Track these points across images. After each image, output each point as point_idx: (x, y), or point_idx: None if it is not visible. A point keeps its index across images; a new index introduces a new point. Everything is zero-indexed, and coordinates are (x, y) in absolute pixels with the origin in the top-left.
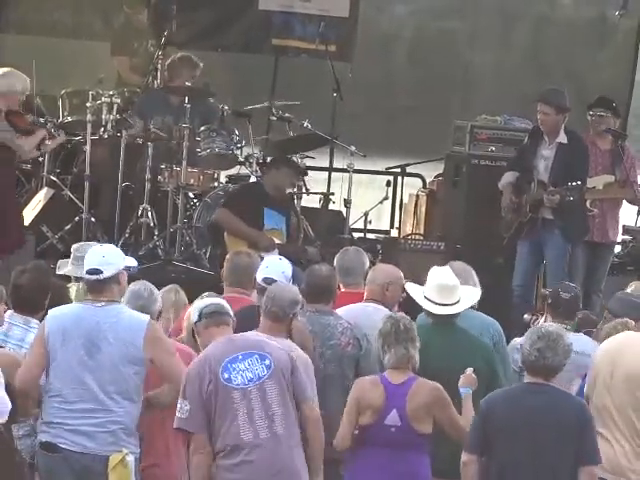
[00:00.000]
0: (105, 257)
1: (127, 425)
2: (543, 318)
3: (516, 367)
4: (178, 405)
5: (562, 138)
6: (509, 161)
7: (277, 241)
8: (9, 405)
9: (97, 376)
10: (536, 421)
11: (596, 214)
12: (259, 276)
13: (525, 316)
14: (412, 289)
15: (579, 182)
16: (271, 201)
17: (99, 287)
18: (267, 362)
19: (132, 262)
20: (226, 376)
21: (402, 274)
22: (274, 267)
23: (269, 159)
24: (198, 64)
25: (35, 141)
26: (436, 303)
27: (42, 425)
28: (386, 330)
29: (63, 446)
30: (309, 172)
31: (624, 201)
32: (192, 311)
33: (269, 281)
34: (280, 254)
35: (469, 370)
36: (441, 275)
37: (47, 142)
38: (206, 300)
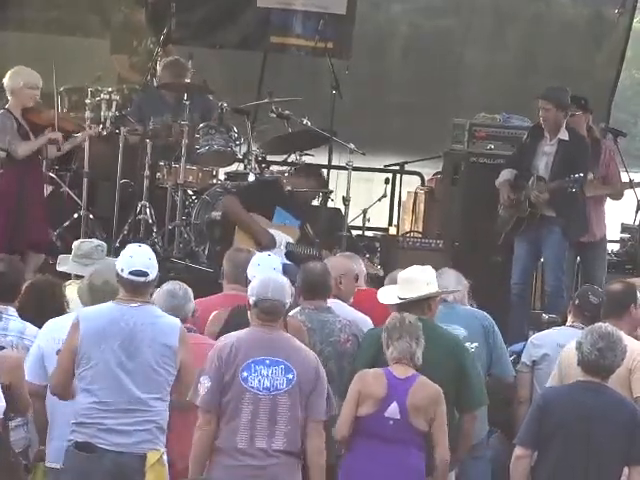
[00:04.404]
0: (151, 259)
1: (161, 424)
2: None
3: (528, 361)
4: (200, 380)
5: (563, 135)
6: (507, 159)
7: (290, 240)
8: (3, 404)
9: (135, 377)
10: (594, 420)
11: None
12: (250, 272)
13: (543, 315)
14: (383, 296)
15: (581, 174)
16: (288, 202)
17: (141, 289)
18: (290, 376)
19: None
20: (245, 375)
21: (354, 265)
22: (265, 264)
23: (301, 164)
24: (183, 72)
25: (31, 147)
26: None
27: (74, 426)
28: (392, 324)
29: (100, 445)
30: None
31: (621, 199)
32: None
33: None
34: (295, 255)
35: None
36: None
37: (60, 141)
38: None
